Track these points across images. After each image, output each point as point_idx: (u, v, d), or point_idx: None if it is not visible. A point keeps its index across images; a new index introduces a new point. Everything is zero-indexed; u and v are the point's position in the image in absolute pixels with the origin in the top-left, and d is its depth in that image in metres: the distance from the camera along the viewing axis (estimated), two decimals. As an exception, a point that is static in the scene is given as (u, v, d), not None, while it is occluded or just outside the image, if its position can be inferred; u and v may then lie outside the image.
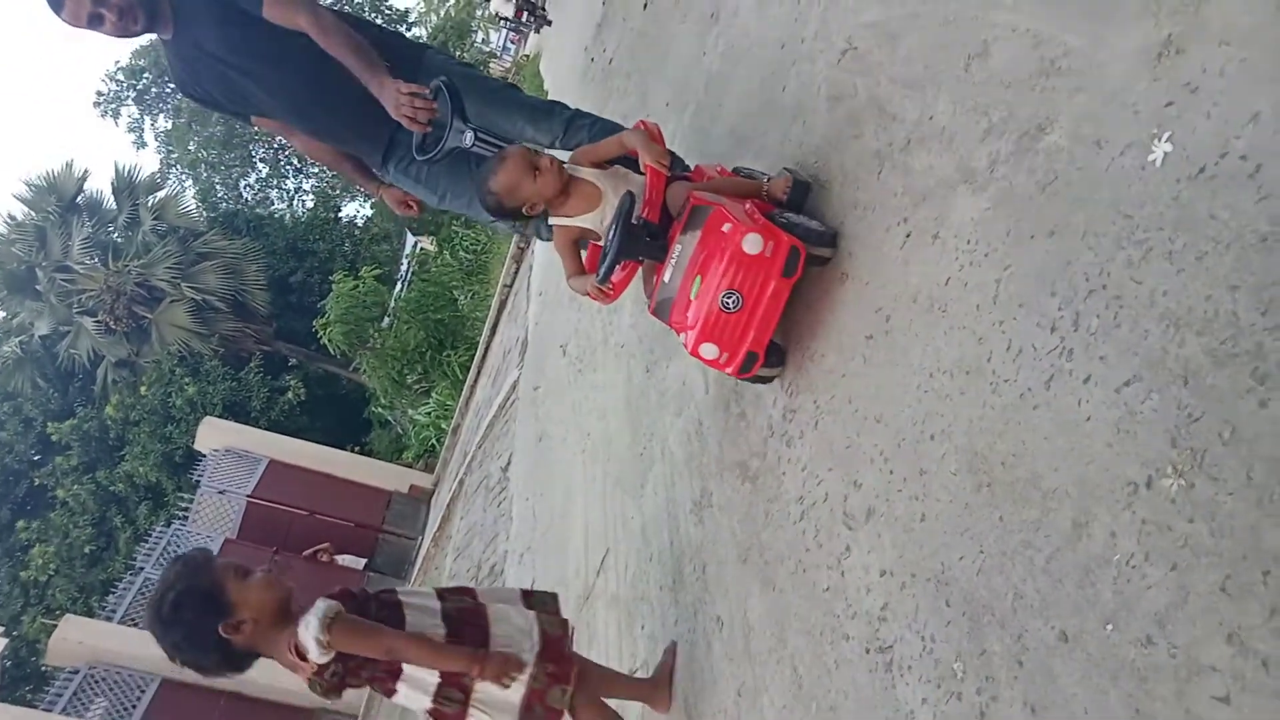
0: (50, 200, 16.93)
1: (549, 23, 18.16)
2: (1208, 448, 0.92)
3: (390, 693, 1.92)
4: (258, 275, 20.41)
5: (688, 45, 4.38)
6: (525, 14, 22.94)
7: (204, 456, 12.68)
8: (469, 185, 2.91)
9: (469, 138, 2.47)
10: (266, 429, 15.13)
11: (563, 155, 2.47)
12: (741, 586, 1.99)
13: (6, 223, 16.99)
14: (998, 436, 1.26)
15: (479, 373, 12.16)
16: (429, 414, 15.30)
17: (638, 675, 2.43)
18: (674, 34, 4.87)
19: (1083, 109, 1.30)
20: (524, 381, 6.61)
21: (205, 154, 27.38)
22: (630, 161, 2.29)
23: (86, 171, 17.59)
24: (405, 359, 13.26)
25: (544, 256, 8.11)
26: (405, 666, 1.88)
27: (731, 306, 1.86)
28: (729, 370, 1.96)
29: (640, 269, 2.26)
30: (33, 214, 17.02)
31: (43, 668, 12.09)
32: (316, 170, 38.16)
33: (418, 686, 1.90)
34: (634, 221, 2.06)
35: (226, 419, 14.94)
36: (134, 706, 9.56)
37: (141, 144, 28.97)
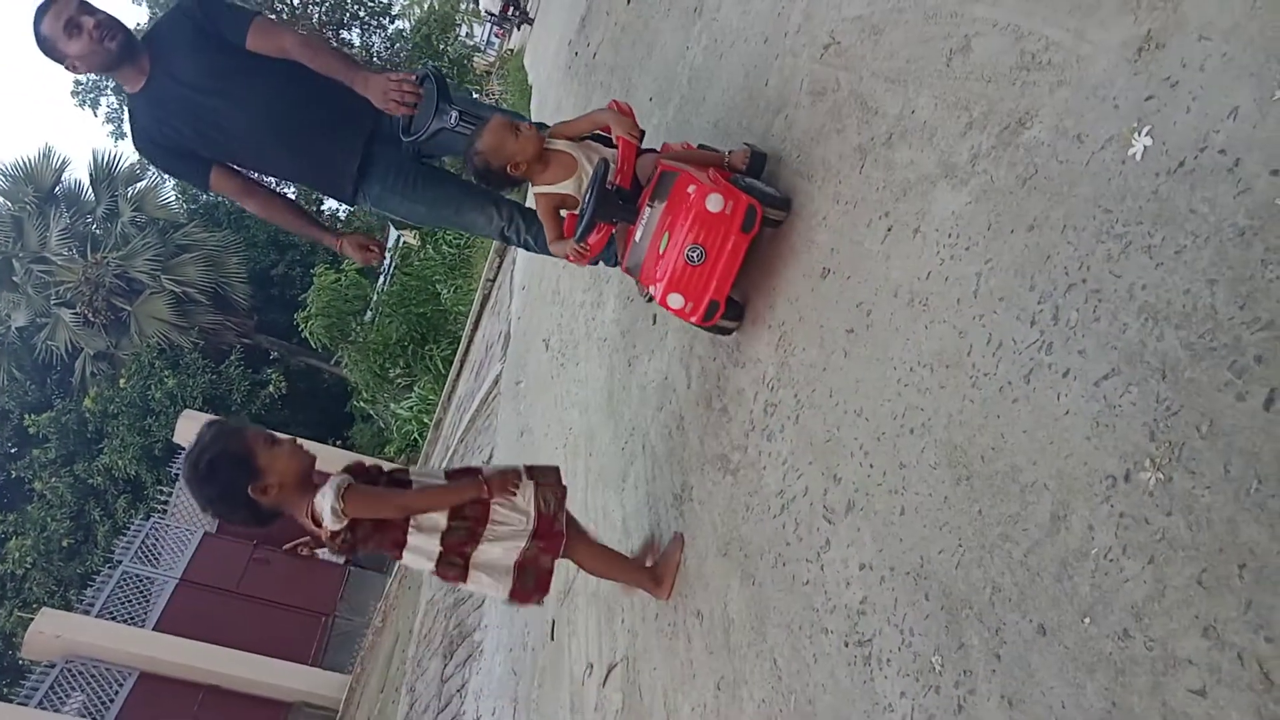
0: (27, 190, 16.72)
1: (530, 21, 18.21)
2: (1185, 441, 0.92)
3: (397, 558, 2.09)
4: (238, 268, 20.26)
5: (672, 39, 4.37)
6: (511, 9, 22.97)
7: (184, 449, 12.59)
8: (455, 192, 3.04)
9: (453, 117, 2.57)
10: (248, 422, 14.96)
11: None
12: (722, 580, 1.99)
13: (-18, 212, 16.77)
14: (977, 430, 1.26)
15: (461, 367, 12.12)
16: (411, 408, 15.23)
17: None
18: (658, 28, 4.85)
19: (1064, 103, 1.30)
20: (506, 376, 6.59)
21: (185, 145, 27.10)
22: (603, 138, 2.50)
23: (65, 160, 17.38)
24: (387, 353, 13.18)
25: (530, 254, 8.10)
26: (410, 536, 2.03)
27: (696, 259, 2.05)
28: (694, 319, 2.14)
29: (614, 232, 2.40)
30: (9, 204, 16.80)
31: (19, 661, 11.97)
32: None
33: (421, 554, 2.05)
34: (608, 186, 2.25)
35: (206, 412, 14.81)
36: (111, 700, 9.49)
37: (120, 134, 28.61)
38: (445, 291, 14.11)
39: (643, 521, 2.67)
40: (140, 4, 24.77)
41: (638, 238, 2.23)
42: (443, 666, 4.76)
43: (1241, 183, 0.95)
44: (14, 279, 16.61)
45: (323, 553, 12.01)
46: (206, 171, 2.91)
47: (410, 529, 2.04)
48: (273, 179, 3.44)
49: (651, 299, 2.81)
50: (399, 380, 13.65)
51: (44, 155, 17.11)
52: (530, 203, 2.91)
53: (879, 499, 1.45)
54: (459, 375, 11.97)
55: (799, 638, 1.57)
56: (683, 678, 2.06)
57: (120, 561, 11.26)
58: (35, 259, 16.46)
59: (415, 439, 16.14)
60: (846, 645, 1.43)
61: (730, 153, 2.44)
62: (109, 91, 27.47)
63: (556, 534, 2.12)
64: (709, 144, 2.62)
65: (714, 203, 2.02)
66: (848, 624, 1.44)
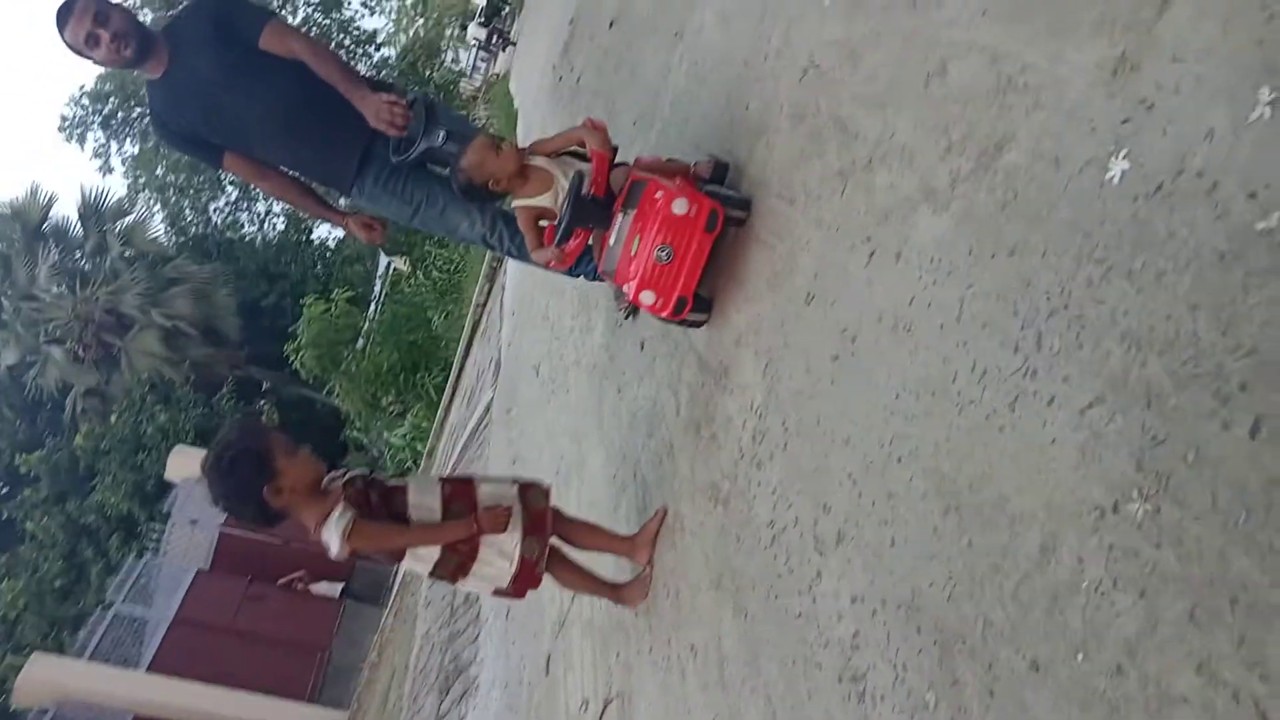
0: (15, 227, 16.70)
1: (512, 44, 18.43)
2: (1173, 471, 0.90)
3: (395, 565, 2.35)
4: (228, 300, 20.24)
5: (654, 63, 4.39)
6: (495, 36, 23.27)
7: (176, 486, 12.48)
8: (440, 193, 3.19)
9: (440, 136, 2.81)
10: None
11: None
12: (714, 613, 1.96)
13: (-31, 253, 16.73)
14: (964, 459, 1.24)
15: (453, 394, 12.08)
16: (404, 435, 15.18)
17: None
18: (640, 52, 4.87)
19: (1041, 126, 1.30)
20: (497, 403, 6.56)
21: (173, 178, 27.13)
22: (579, 154, 2.70)
23: (52, 197, 17.39)
24: (379, 381, 13.14)
25: (516, 275, 8.08)
26: (407, 559, 2.23)
27: (664, 259, 2.24)
28: (664, 313, 2.33)
29: (590, 238, 2.59)
30: (-3, 242, 16.77)
31: (11, 708, 11.80)
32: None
33: (418, 560, 2.23)
34: (584, 195, 2.43)
35: (199, 447, 14.73)
36: (105, 744, 9.36)
37: (108, 169, 28.67)
38: (436, 318, 14.10)
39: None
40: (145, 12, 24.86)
41: (612, 242, 2.40)
42: (439, 703, 4.70)
43: (1219, 206, 0.94)
44: (3, 317, 16.55)
45: (317, 587, 11.91)
46: (220, 155, 3.14)
47: (407, 554, 2.23)
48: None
49: (630, 315, 3.26)
50: (391, 408, 13.61)
51: (31, 192, 17.12)
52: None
53: (869, 530, 1.43)
54: (451, 403, 11.92)
55: (793, 673, 1.55)
56: (678, 714, 2.02)
57: (113, 603, 11.13)
58: (24, 296, 16.41)
59: (409, 467, 16.08)
60: (840, 681, 1.40)
61: (696, 164, 2.63)
62: (95, 126, 27.52)
63: (537, 576, 2.29)
64: (676, 157, 2.79)
65: (679, 206, 2.21)
66: (841, 659, 1.41)
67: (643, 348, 3.14)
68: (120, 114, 27.66)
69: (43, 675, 9.55)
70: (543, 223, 2.67)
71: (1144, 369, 0.97)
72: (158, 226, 19.46)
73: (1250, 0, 0.97)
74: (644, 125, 4.12)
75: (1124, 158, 1.10)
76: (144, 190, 27.40)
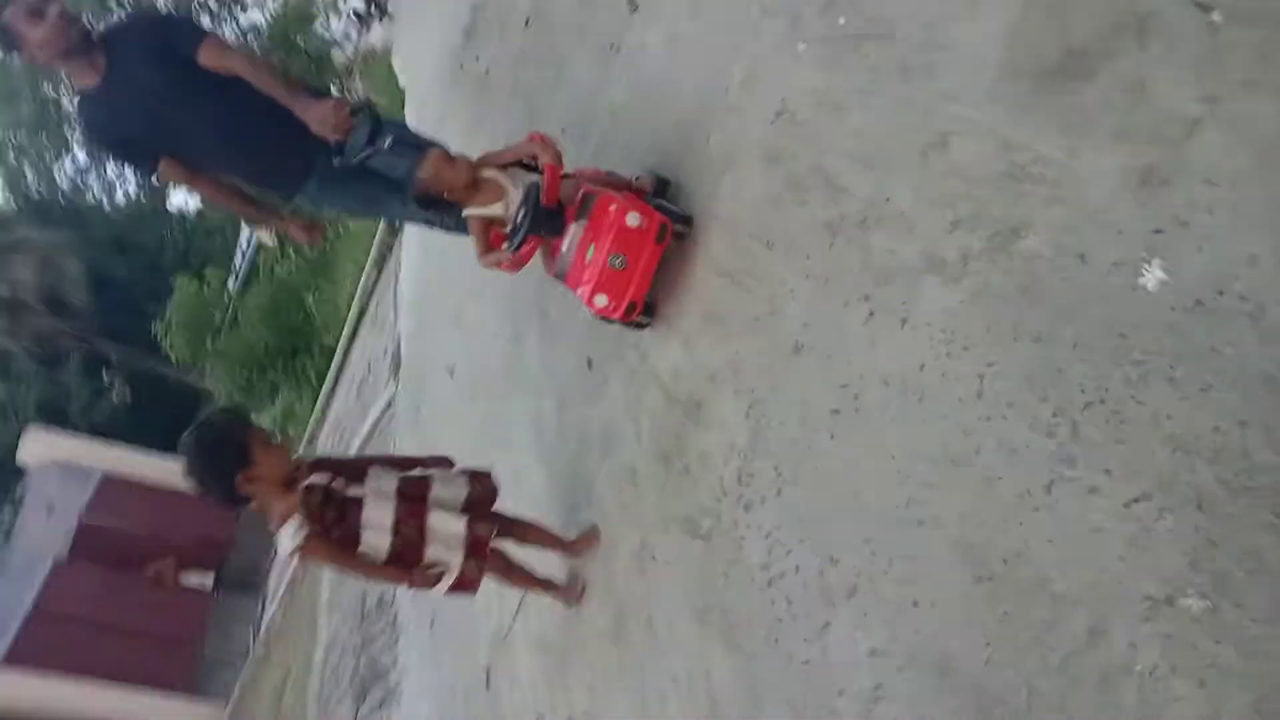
0: None
1: (389, 15, 18.11)
2: (1229, 573, 1.01)
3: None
4: (76, 269, 18.91)
5: (585, 72, 4.37)
6: (372, 5, 22.68)
7: (28, 471, 11.61)
8: (380, 188, 3.33)
9: (387, 141, 2.88)
10: (89, 433, 14.01)
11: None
12: (700, 646, 2.02)
13: None
14: (995, 532, 1.34)
15: (336, 381, 11.69)
16: (272, 419, 14.59)
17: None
18: (566, 56, 4.83)
19: (1061, 220, 1.40)
20: (402, 400, 6.41)
21: (13, 138, 24.96)
22: (525, 165, 2.84)
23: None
24: (255, 365, 12.56)
25: (414, 265, 7.89)
26: (362, 534, 2.35)
27: (618, 266, 2.44)
28: (616, 315, 2.54)
29: (539, 248, 2.77)
30: None
31: None
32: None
33: (374, 545, 2.37)
34: (541, 206, 2.58)
35: (42, 423, 13.73)
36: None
37: (-60, 130, 26.13)
38: (309, 297, 13.55)
39: (594, 571, 2.67)
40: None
41: (564, 249, 2.60)
42: (355, 709, 4.60)
43: (1266, 333, 1.05)
44: None
45: (188, 578, 11.34)
46: (154, 162, 3.19)
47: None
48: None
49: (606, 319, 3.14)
50: (268, 394, 13.03)
51: None
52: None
53: (886, 587, 1.52)
54: (334, 390, 11.54)
55: (805, 717, 1.62)
56: (662, 745, 2.08)
57: (-44, 600, 10.29)
58: None
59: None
60: (860, 730, 1.48)
61: (637, 178, 2.82)
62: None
63: (486, 556, 2.51)
64: (615, 170, 2.94)
65: (633, 219, 2.42)
66: (861, 709, 1.49)
67: (590, 366, 3.15)
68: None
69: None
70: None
71: (1193, 474, 1.08)
72: (-6, 187, 17.88)
73: (1289, 144, 1.08)
74: (577, 135, 4.10)
75: (1159, 267, 1.21)
76: (-22, 149, 25.13)
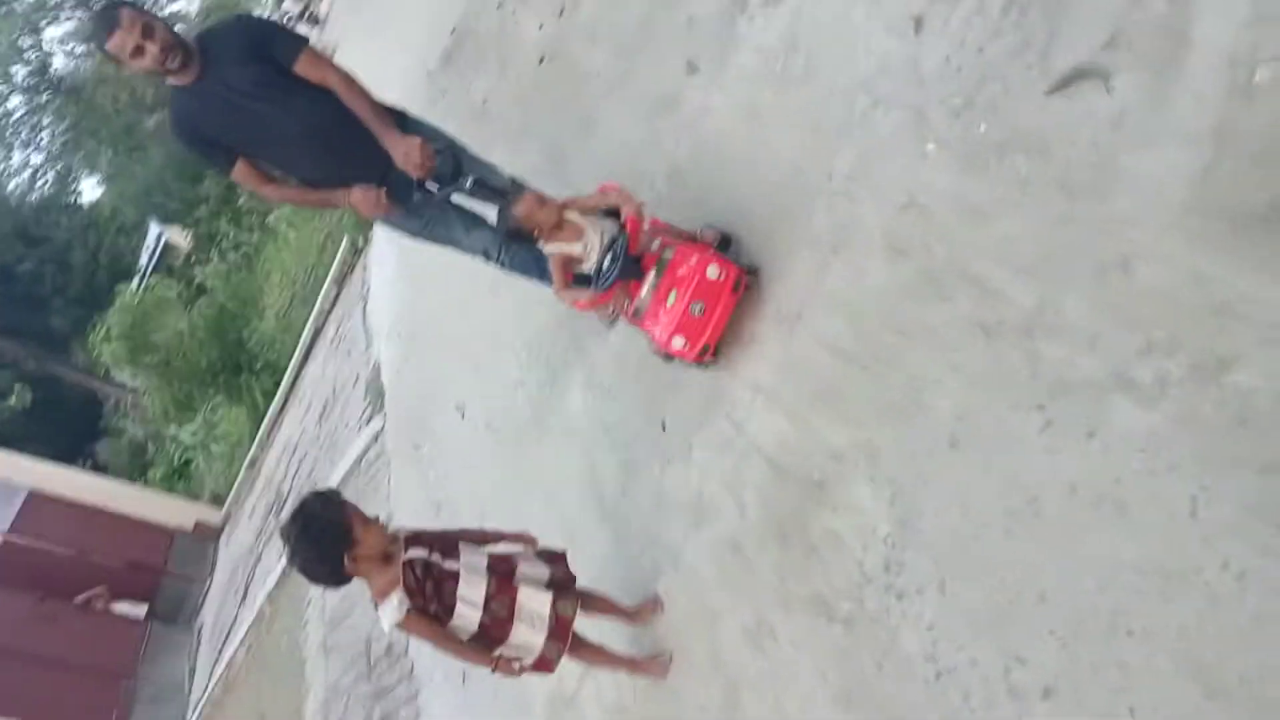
0: None
1: (319, 23, 18.50)
2: None
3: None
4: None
5: (627, 127, 4.42)
6: (305, 10, 22.74)
7: (-59, 487, 10.91)
8: (447, 213, 3.57)
9: (468, 181, 3.20)
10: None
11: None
12: (843, 730, 2.07)
13: None
14: (1230, 651, 1.43)
15: (285, 402, 11.38)
16: (194, 434, 14.09)
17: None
18: (598, 108, 4.89)
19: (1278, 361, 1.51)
20: (393, 434, 6.30)
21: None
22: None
23: None
24: (196, 379, 12.11)
25: (399, 294, 7.78)
26: (456, 608, 2.43)
27: (698, 312, 2.75)
28: (690, 356, 2.81)
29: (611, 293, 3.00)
30: None
31: None
32: (49, 143, 33.95)
33: (466, 619, 2.45)
34: (629, 254, 2.89)
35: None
36: None
37: None
38: (254, 316, 13.16)
39: (688, 644, 2.69)
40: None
41: (642, 293, 2.89)
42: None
43: None
44: None
45: (119, 606, 10.79)
46: (232, 161, 3.31)
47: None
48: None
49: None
50: (205, 412, 12.58)
51: None
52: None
53: (1095, 693, 1.60)
54: (283, 412, 11.22)
55: (999, 814, 1.69)
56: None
57: None
58: None
59: (187, 464, 14.87)
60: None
61: (701, 231, 3.08)
62: None
63: (567, 639, 2.55)
64: (674, 223, 3.20)
65: (712, 271, 2.74)
66: (1075, 811, 1.57)
67: (665, 429, 3.19)
68: None
69: None
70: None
71: None
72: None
73: None
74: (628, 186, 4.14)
75: None
76: None
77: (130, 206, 31.46)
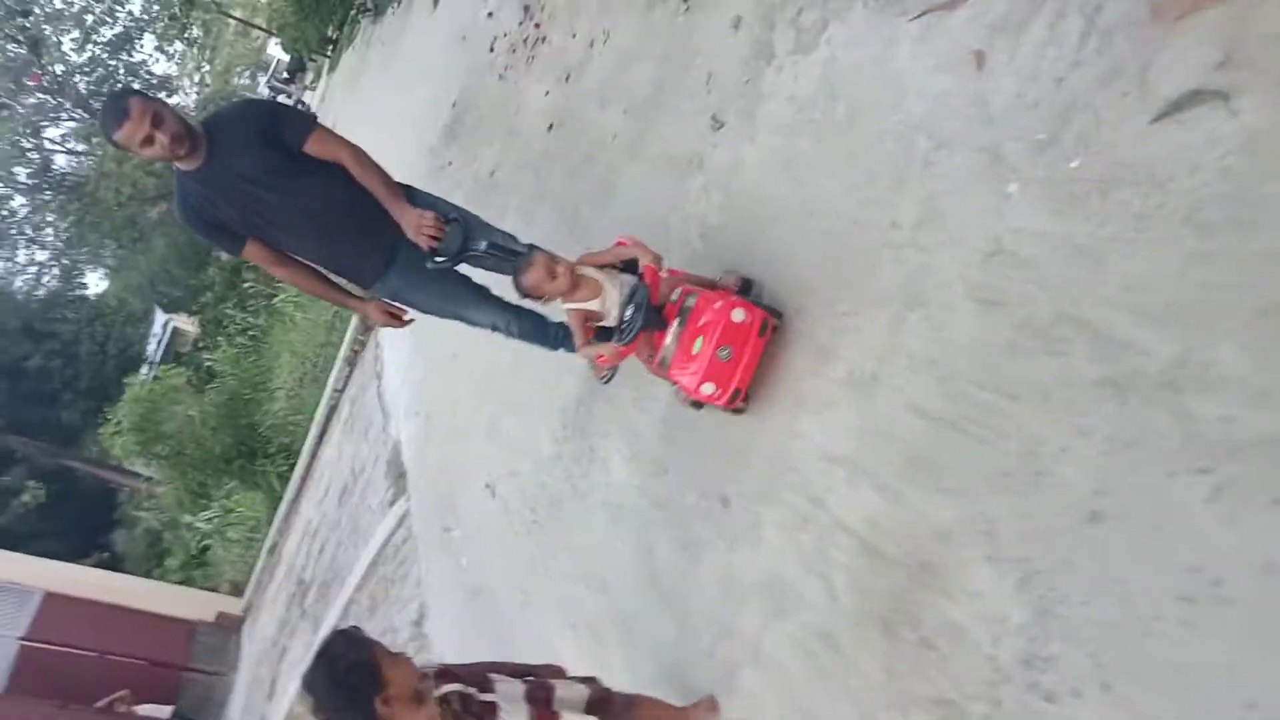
0: None
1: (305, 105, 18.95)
2: None
3: None
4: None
5: (650, 186, 4.26)
6: (290, 78, 23.43)
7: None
8: (457, 287, 3.59)
9: (483, 246, 3.20)
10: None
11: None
12: None
13: None
14: None
15: (303, 485, 11.11)
16: (211, 519, 13.84)
17: None
18: (615, 169, 4.73)
19: None
20: (419, 517, 6.03)
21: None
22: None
23: None
24: (209, 468, 11.86)
25: (413, 370, 7.58)
26: None
27: (725, 358, 2.71)
28: (720, 402, 2.78)
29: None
30: None
31: None
32: (53, 239, 34.32)
33: None
34: (651, 305, 2.88)
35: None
36: None
37: None
38: (265, 400, 12.97)
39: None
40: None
41: (667, 342, 2.85)
42: None
43: None
44: None
45: (143, 709, 10.40)
46: (242, 243, 3.29)
47: None
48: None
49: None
50: (222, 499, 12.31)
51: None
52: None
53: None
54: (300, 495, 10.94)
55: None
56: None
57: None
58: None
59: (204, 550, 14.59)
60: None
61: (721, 277, 3.04)
62: None
63: None
64: (693, 272, 3.17)
65: (737, 315, 2.71)
66: None
67: (727, 504, 2.94)
68: None
69: None
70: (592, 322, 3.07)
71: None
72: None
73: None
74: (657, 249, 3.95)
75: None
76: None
77: (136, 297, 31.68)
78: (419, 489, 6.25)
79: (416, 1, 16.44)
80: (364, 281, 3.48)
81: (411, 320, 3.67)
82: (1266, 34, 1.75)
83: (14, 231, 33.17)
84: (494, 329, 3.71)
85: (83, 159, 32.10)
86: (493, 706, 2.29)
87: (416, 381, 7.34)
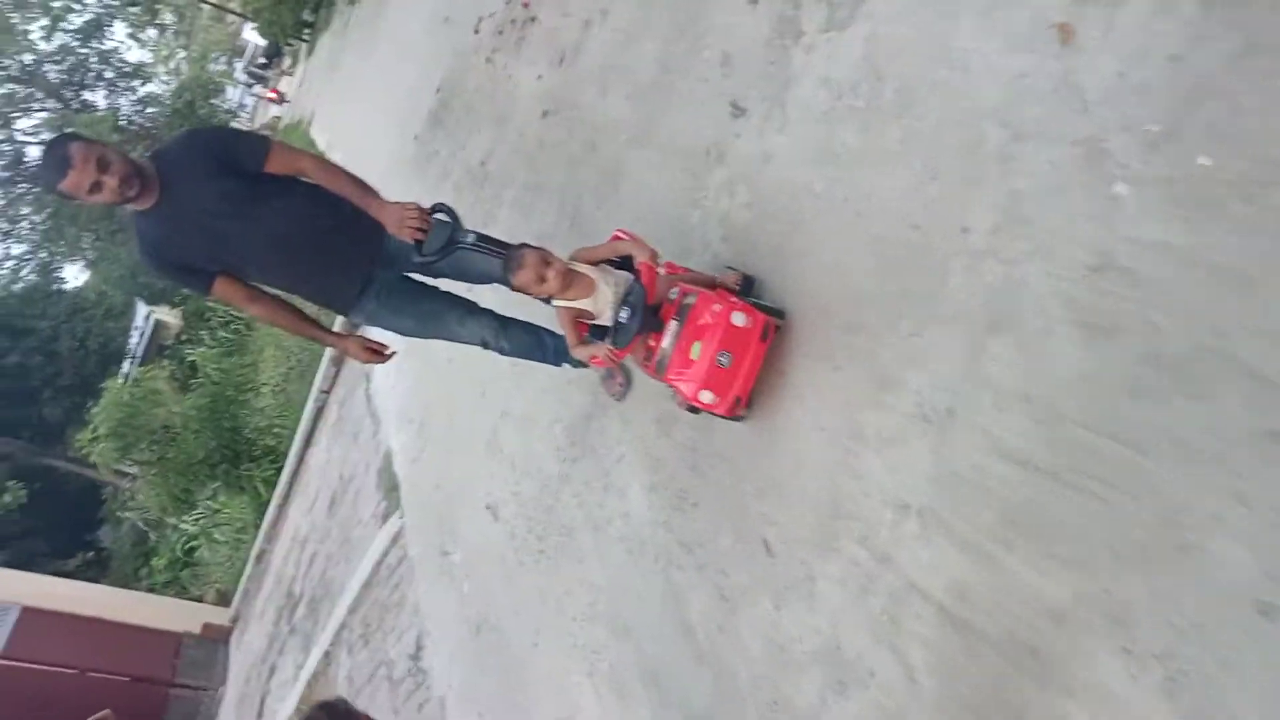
0: None
1: (286, 100, 18.73)
2: None
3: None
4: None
5: (662, 180, 3.87)
6: (267, 65, 23.16)
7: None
8: (437, 304, 3.39)
9: (471, 238, 2.92)
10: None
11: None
12: None
13: None
14: None
15: (290, 491, 10.70)
16: (197, 521, 13.48)
17: None
18: (625, 160, 4.33)
19: None
20: (415, 536, 5.65)
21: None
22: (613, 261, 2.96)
23: None
24: (192, 473, 11.45)
25: (404, 376, 7.17)
26: None
27: (725, 364, 2.54)
28: (720, 410, 2.60)
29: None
30: None
31: None
32: (29, 232, 33.59)
33: None
34: (648, 305, 2.69)
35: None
36: None
37: None
38: (219, 381, 12.50)
39: None
40: None
41: (664, 345, 2.66)
42: None
43: None
44: None
45: (128, 729, 10.02)
46: (209, 282, 3.06)
47: None
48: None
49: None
50: (208, 503, 11.91)
51: None
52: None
53: None
54: (287, 501, 10.53)
55: None
56: None
57: None
58: None
59: (191, 552, 14.24)
60: None
61: (721, 275, 2.85)
62: None
63: None
64: (692, 268, 3.00)
65: (738, 319, 2.53)
66: None
67: (771, 551, 2.58)
68: None
69: None
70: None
71: None
72: None
73: None
74: (674, 253, 3.57)
75: None
76: None
77: (116, 289, 31.09)
78: (413, 505, 5.87)
79: (395, -18, 15.89)
80: (340, 305, 3.26)
81: (395, 353, 3.39)
82: None
83: (-15, 226, 32.49)
84: (484, 345, 3.50)
85: (57, 150, 31.31)
86: None
87: (409, 386, 6.94)
